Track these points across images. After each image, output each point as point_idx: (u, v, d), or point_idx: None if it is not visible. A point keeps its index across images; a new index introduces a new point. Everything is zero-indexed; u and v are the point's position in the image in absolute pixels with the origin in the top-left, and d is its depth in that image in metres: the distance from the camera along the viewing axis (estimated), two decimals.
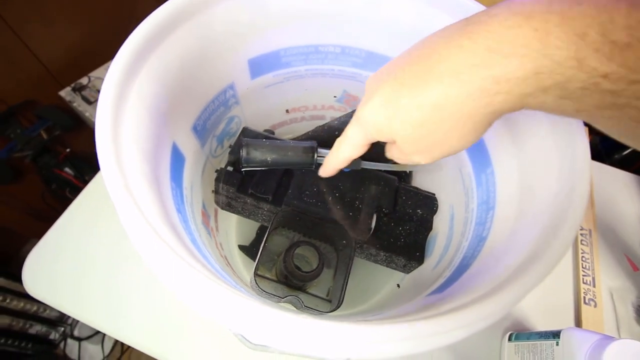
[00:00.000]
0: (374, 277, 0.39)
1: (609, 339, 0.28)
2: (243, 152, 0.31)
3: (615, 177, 0.53)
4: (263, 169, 0.33)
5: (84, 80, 0.85)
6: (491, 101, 0.16)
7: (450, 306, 0.17)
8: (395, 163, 0.32)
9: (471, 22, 0.16)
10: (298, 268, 0.30)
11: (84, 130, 0.88)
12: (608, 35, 0.12)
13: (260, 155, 0.31)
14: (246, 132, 0.36)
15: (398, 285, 0.37)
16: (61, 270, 0.38)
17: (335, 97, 0.40)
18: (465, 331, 0.15)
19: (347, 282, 0.30)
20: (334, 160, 0.27)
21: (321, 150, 0.32)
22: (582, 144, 0.21)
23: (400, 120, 0.19)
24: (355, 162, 0.33)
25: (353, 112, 0.36)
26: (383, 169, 0.32)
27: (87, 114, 0.82)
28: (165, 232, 0.19)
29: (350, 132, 0.24)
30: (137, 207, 0.18)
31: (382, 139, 0.22)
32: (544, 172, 0.23)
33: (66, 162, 0.86)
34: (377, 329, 0.14)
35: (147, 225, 0.17)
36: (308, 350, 0.15)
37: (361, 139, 0.23)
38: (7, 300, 0.76)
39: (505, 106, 0.16)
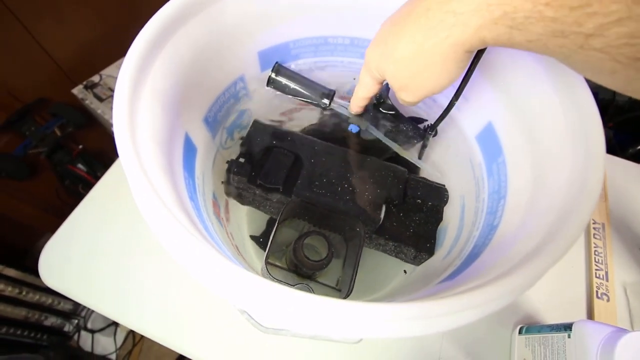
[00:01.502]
0: (384, 267, 0.39)
1: (622, 331, 0.28)
2: (272, 72, 0.33)
3: (629, 171, 0.51)
4: (284, 95, 0.34)
5: (95, 78, 0.86)
6: (450, 33, 0.17)
7: (461, 289, 0.17)
8: (401, 145, 0.33)
9: None
10: (307, 257, 0.30)
11: (96, 127, 0.90)
12: None
13: (286, 79, 0.33)
14: (257, 125, 0.36)
15: (405, 272, 0.37)
16: (75, 261, 0.39)
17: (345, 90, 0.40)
18: (477, 313, 0.15)
19: (356, 272, 0.30)
20: (354, 99, 0.30)
21: (337, 100, 0.34)
22: (597, 131, 0.21)
23: (387, 56, 0.22)
24: (363, 122, 0.34)
25: None
26: (383, 140, 0.34)
27: (99, 111, 0.83)
28: (182, 216, 0.19)
29: (361, 74, 0.27)
30: (156, 193, 0.18)
31: (381, 77, 0.24)
32: (556, 160, 0.23)
33: (79, 158, 0.87)
34: (389, 308, 0.14)
35: (164, 209, 0.18)
36: (321, 329, 0.15)
37: (368, 79, 0.26)
38: (24, 293, 0.78)
39: (463, 38, 0.17)
